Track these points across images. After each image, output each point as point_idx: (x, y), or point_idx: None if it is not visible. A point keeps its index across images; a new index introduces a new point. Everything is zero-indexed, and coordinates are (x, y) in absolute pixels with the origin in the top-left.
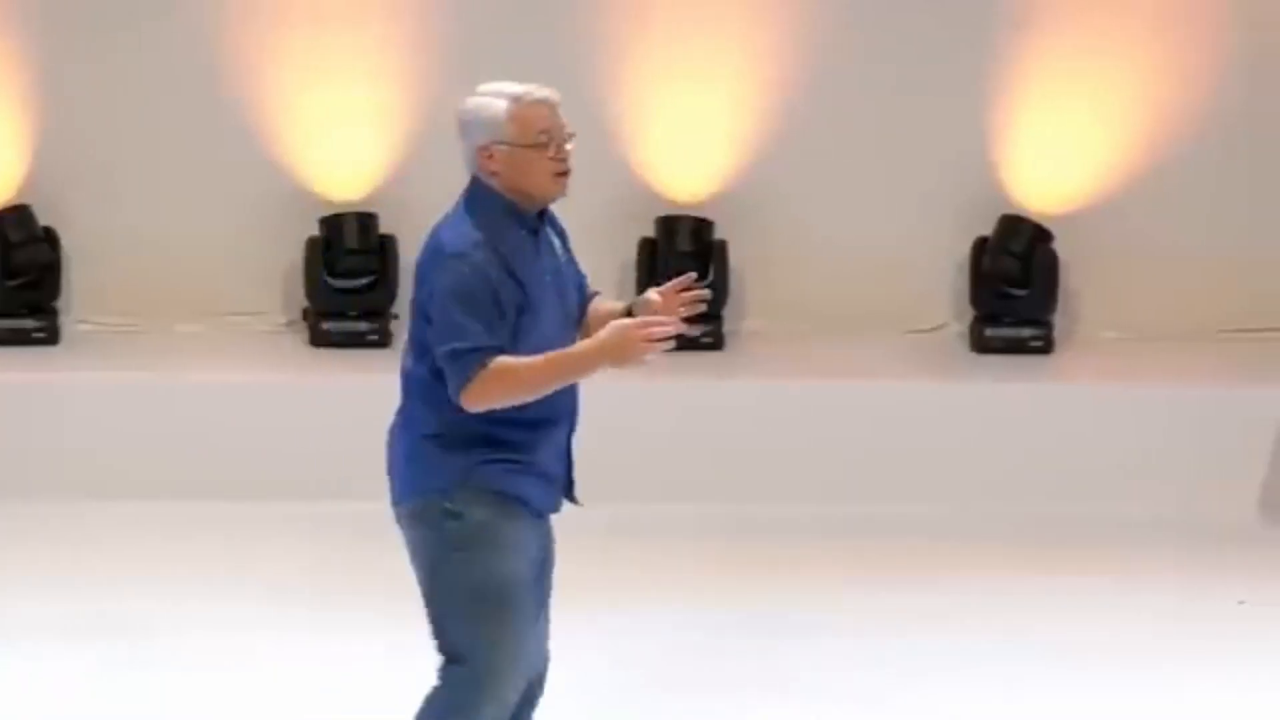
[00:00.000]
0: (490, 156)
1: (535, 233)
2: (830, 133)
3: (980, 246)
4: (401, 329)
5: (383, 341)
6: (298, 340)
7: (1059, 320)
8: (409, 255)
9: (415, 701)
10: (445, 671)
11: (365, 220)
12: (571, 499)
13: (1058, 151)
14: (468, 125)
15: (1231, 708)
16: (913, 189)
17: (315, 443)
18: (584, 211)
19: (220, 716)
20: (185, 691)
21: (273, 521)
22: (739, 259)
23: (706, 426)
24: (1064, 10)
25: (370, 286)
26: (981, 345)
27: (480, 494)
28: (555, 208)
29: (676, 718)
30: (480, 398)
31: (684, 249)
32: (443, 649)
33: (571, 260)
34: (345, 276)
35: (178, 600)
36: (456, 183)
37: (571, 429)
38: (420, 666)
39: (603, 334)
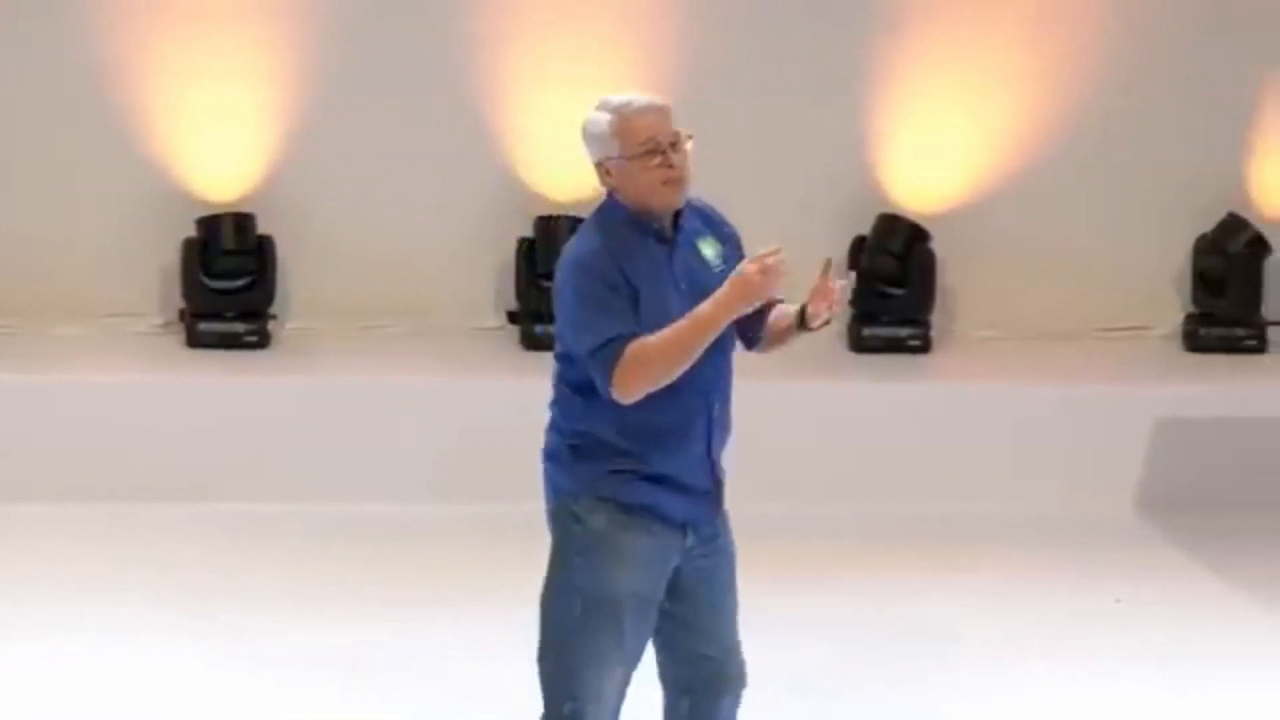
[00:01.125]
0: (607, 172)
1: (665, 241)
2: (707, 133)
3: (858, 246)
4: (280, 329)
5: (261, 343)
6: (175, 341)
7: (936, 319)
8: (287, 256)
9: (304, 702)
10: (539, 672)
11: (242, 221)
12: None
13: (934, 151)
14: (585, 143)
15: (1107, 704)
16: (790, 189)
17: (192, 444)
18: (463, 211)
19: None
20: (45, 696)
21: (150, 523)
22: None
23: None
24: (939, 12)
25: (248, 287)
26: (859, 344)
27: (602, 503)
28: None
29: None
30: (630, 386)
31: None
32: (540, 650)
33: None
34: (222, 277)
35: (49, 603)
36: (334, 182)
37: (711, 441)
38: (301, 667)
39: (721, 288)
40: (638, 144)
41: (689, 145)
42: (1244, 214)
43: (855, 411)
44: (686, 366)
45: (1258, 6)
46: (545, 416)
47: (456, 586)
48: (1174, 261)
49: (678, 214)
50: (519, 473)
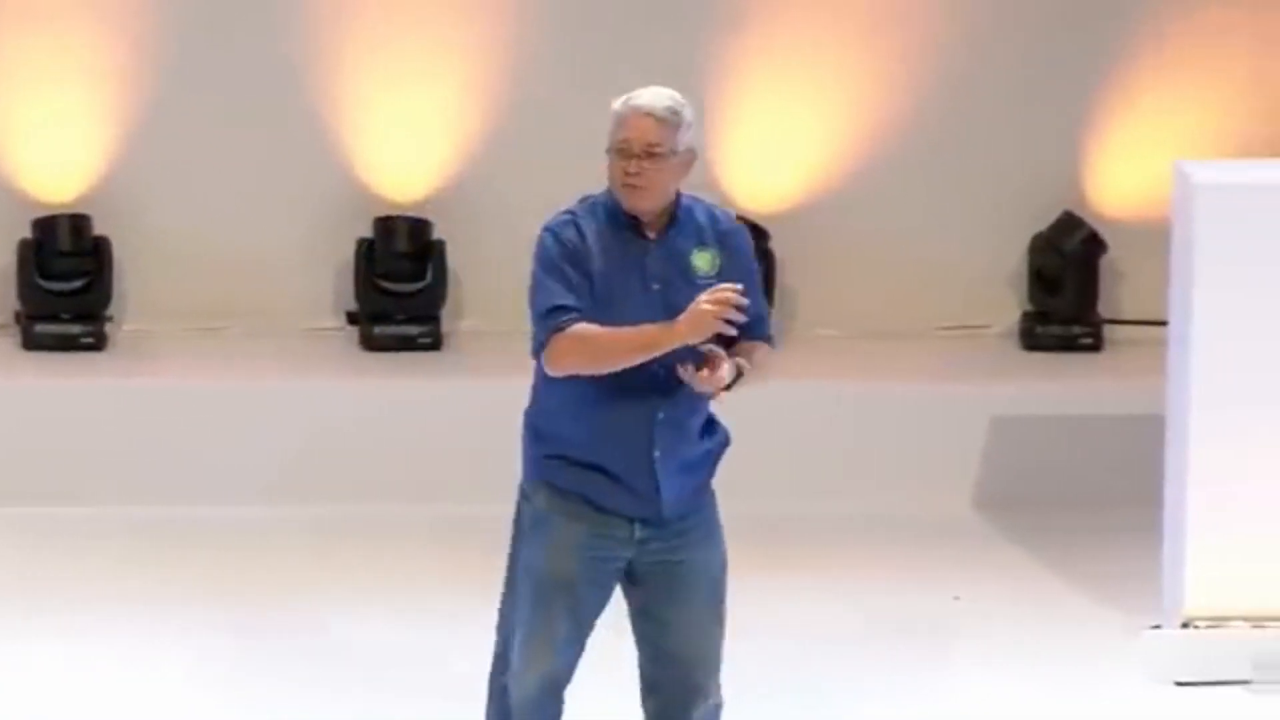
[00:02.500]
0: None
1: (643, 237)
2: (546, 133)
3: None
4: (116, 331)
5: (97, 345)
6: (10, 344)
7: (776, 318)
8: (123, 257)
9: (138, 706)
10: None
11: (78, 222)
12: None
13: (773, 151)
14: None
15: (945, 702)
16: None
17: (28, 447)
18: (301, 212)
19: None
20: None
21: None
22: (457, 259)
23: (423, 426)
24: (777, 12)
25: (84, 289)
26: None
27: (543, 485)
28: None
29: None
30: (559, 359)
31: (402, 249)
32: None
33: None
34: (58, 279)
35: None
36: (171, 183)
37: (653, 444)
38: (134, 671)
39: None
40: (617, 140)
41: (672, 160)
42: (1079, 213)
43: None
44: (617, 368)
45: (1090, 7)
46: (389, 417)
47: (297, 588)
48: (1010, 260)
49: (674, 217)
50: (359, 474)
